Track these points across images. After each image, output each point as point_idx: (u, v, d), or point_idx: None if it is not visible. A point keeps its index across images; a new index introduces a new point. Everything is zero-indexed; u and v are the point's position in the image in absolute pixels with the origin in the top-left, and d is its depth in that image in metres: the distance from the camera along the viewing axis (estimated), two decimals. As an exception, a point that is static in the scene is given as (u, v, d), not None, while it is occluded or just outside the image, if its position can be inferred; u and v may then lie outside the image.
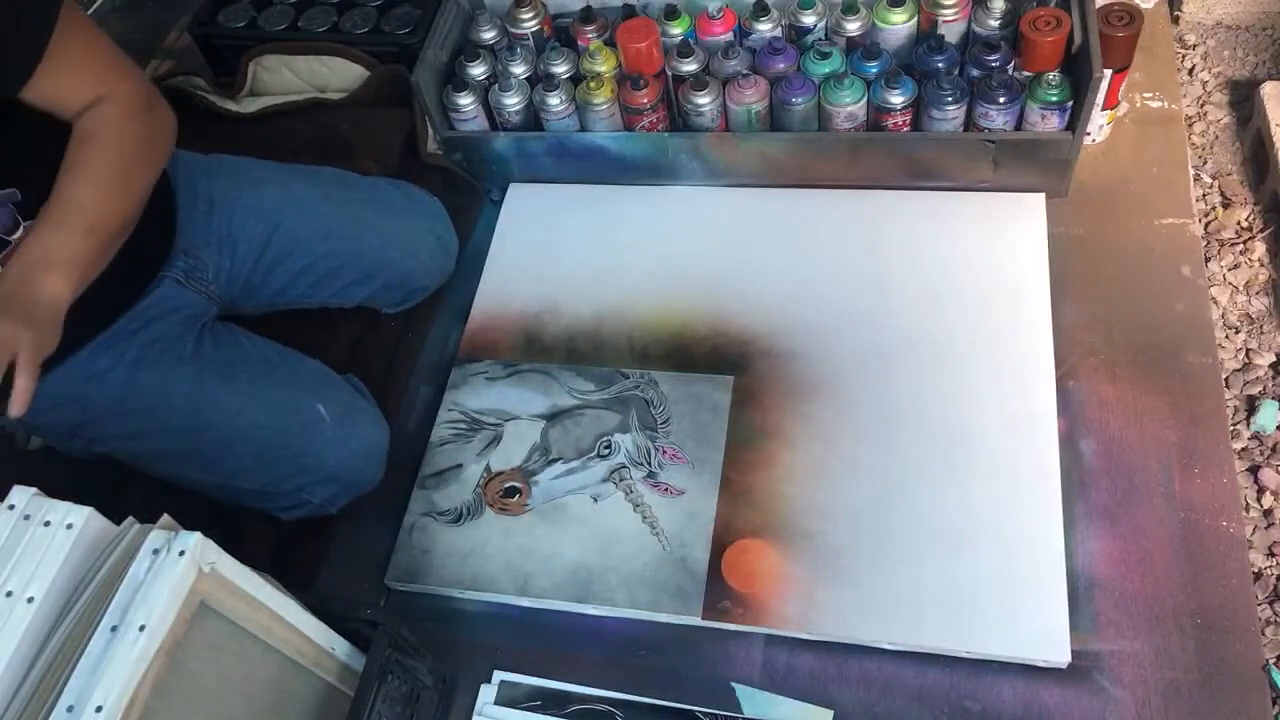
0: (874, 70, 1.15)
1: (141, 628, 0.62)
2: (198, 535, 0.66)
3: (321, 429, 1.05)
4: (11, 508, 0.66)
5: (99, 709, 0.60)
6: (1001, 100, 1.10)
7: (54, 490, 0.69)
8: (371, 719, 0.81)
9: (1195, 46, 1.60)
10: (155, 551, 0.65)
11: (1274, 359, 1.29)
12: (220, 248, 1.10)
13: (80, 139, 0.90)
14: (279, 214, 1.13)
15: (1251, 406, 1.25)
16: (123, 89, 0.93)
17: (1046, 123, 1.11)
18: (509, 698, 0.96)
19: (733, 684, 0.97)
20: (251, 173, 1.15)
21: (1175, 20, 1.61)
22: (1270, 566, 1.15)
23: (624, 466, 1.09)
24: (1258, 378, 1.27)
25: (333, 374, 1.13)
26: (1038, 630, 0.93)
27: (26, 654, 0.62)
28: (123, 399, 1.00)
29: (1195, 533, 0.98)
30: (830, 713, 0.94)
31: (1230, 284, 1.35)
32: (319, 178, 1.19)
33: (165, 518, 0.68)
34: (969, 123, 1.15)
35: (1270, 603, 1.12)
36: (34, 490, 0.67)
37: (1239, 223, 1.40)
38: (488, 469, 1.12)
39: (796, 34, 1.23)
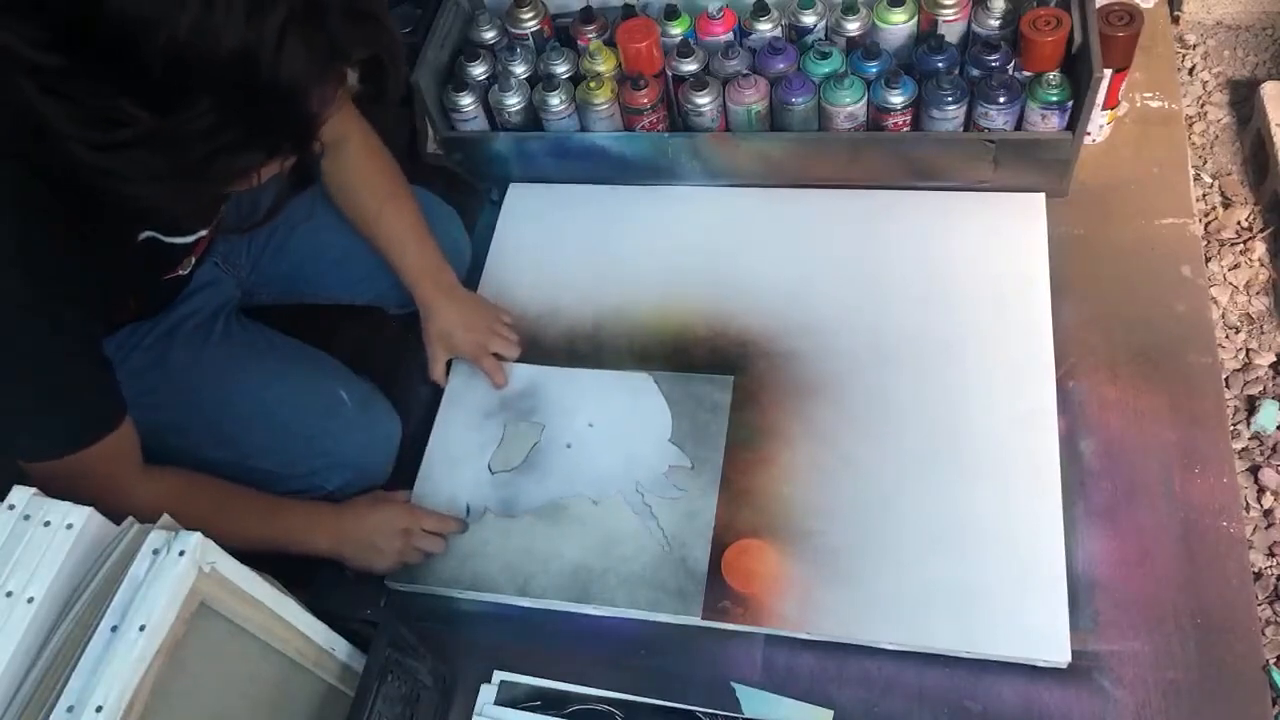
0: (874, 70, 1.15)
1: (141, 628, 0.62)
2: (198, 535, 0.66)
3: (343, 412, 1.08)
4: (11, 508, 0.66)
5: (99, 709, 0.60)
6: (1001, 100, 1.10)
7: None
8: (371, 719, 0.81)
9: (1195, 46, 1.60)
10: (155, 551, 0.65)
11: (1274, 359, 1.29)
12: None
13: (388, 195, 1.12)
14: (298, 199, 1.14)
15: (1251, 406, 1.25)
16: (356, 126, 1.08)
17: (1046, 123, 1.11)
18: (509, 698, 0.96)
19: (733, 684, 0.97)
20: None
21: (1175, 20, 1.61)
22: (1270, 566, 1.15)
23: (624, 466, 1.09)
24: (1258, 378, 1.27)
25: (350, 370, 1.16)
26: (1038, 630, 0.93)
27: (26, 654, 0.62)
28: (152, 367, 1.03)
29: (1195, 533, 0.98)
30: (830, 713, 0.94)
31: (1230, 284, 1.35)
32: None
33: (165, 517, 0.68)
34: (969, 123, 1.15)
35: (1270, 603, 1.12)
36: (34, 490, 0.67)
37: (1239, 223, 1.40)
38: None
39: (796, 34, 1.23)
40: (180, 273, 1.00)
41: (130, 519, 0.68)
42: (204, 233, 0.97)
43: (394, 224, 1.12)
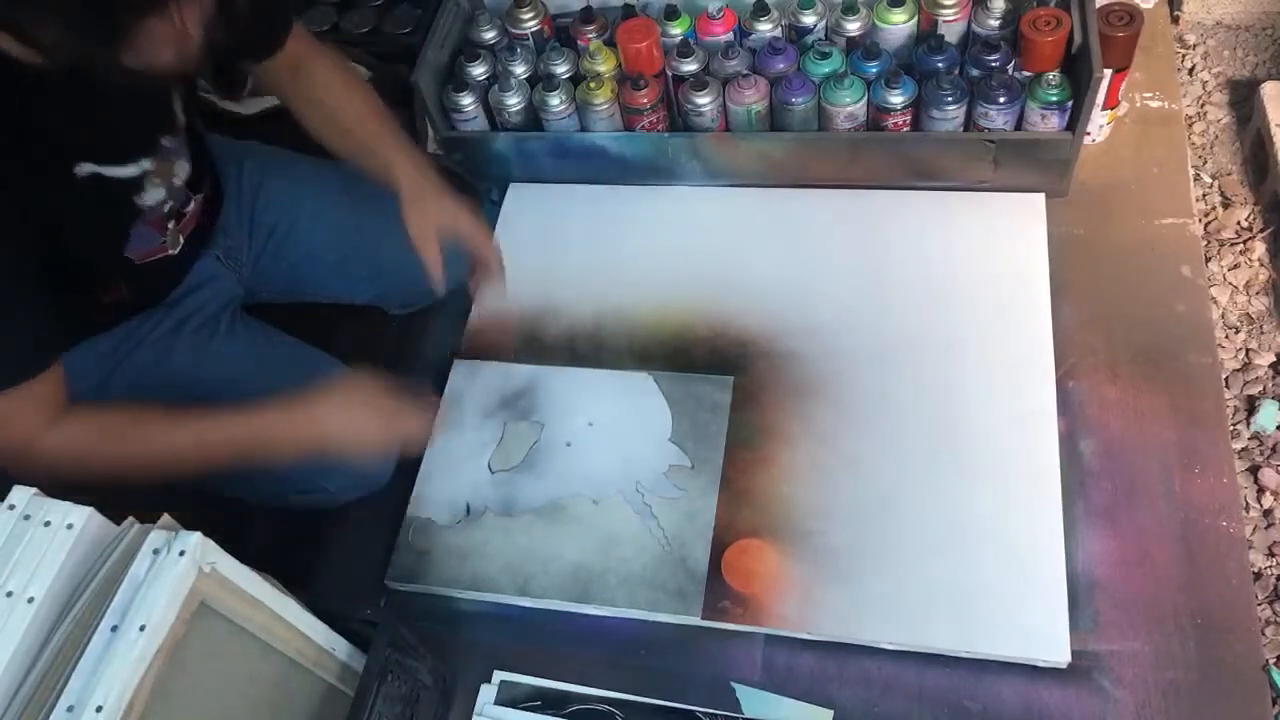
0: (874, 70, 1.15)
1: (142, 628, 0.62)
2: (198, 535, 0.66)
3: None
4: (12, 508, 0.66)
5: (99, 709, 0.60)
6: (1001, 100, 1.10)
7: (55, 490, 0.68)
8: (371, 719, 0.81)
9: (1195, 46, 1.60)
10: (155, 551, 0.65)
11: (1274, 359, 1.29)
12: (243, 226, 1.15)
13: (369, 112, 1.07)
14: (301, 198, 1.16)
15: (1251, 406, 1.26)
16: (319, 53, 1.06)
17: (1046, 123, 1.11)
18: (509, 698, 0.96)
19: (733, 684, 0.97)
20: (279, 158, 1.18)
21: (1175, 20, 1.61)
22: (1270, 566, 1.15)
23: (624, 466, 1.09)
24: (1258, 378, 1.27)
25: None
26: (1038, 630, 0.93)
27: (26, 654, 0.62)
28: (156, 365, 1.03)
29: (1195, 533, 0.98)
30: (830, 713, 0.94)
31: (1230, 284, 1.35)
32: (343, 171, 1.20)
33: (165, 517, 0.68)
34: (969, 123, 1.15)
35: (1270, 603, 1.12)
36: (34, 490, 0.67)
37: (1239, 223, 1.40)
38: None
39: (796, 34, 1.23)
40: (170, 252, 0.98)
41: (131, 519, 0.68)
42: (149, 166, 0.93)
43: (371, 126, 1.06)
